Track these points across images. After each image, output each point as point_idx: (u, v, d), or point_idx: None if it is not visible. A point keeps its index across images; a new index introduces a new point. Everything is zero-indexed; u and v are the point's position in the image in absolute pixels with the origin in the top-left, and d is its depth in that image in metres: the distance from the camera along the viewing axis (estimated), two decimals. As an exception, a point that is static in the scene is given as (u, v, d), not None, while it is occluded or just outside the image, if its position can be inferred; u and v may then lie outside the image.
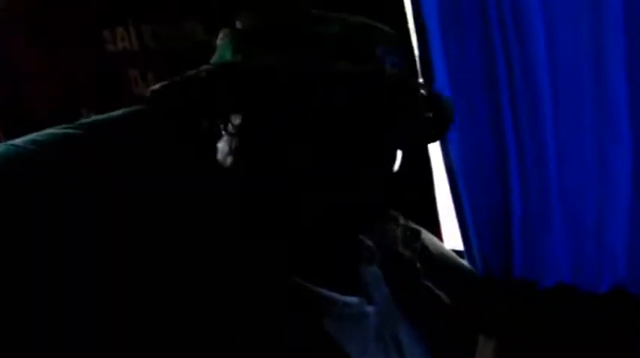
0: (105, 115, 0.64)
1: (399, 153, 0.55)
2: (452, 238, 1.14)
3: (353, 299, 0.55)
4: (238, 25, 0.51)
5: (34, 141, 0.53)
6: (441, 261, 0.72)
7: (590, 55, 0.84)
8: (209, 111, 0.52)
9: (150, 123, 0.64)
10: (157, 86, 0.52)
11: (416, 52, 0.95)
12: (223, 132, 0.51)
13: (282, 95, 0.47)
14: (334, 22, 0.49)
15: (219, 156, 0.52)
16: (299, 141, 0.47)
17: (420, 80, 0.54)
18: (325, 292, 0.53)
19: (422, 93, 0.53)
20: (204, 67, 0.50)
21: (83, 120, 0.62)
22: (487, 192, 1.01)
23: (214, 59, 0.53)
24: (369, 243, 0.60)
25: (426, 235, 0.74)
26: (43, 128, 0.59)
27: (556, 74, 0.87)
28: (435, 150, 1.04)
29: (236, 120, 0.49)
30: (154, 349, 0.44)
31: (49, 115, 0.74)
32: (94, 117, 0.63)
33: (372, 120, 0.49)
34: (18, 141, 0.54)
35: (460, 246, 1.08)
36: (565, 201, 0.94)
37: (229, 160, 0.50)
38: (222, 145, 0.51)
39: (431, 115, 0.55)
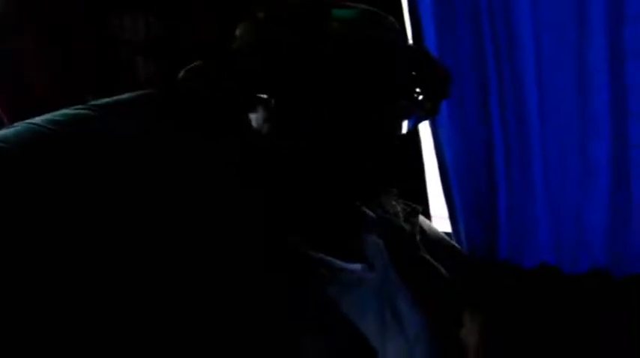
0: (114, 98, 0.67)
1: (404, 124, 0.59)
2: (440, 220, 1.18)
3: (355, 266, 0.57)
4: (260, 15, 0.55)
5: (52, 121, 0.55)
6: (434, 239, 0.75)
7: (574, 51, 0.88)
8: (249, 85, 0.55)
9: (158, 104, 0.67)
10: (193, 66, 0.56)
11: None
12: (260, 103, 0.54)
13: (310, 71, 0.52)
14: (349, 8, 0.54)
15: (254, 123, 0.56)
16: (320, 108, 0.52)
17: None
18: (328, 258, 0.55)
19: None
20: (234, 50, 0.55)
21: (95, 102, 0.64)
22: (474, 177, 1.04)
23: (238, 44, 0.57)
24: (371, 214, 0.63)
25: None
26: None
27: (541, 69, 0.91)
28: (426, 136, 1.08)
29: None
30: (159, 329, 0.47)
31: (53, 101, 0.76)
32: (103, 99, 0.65)
33: (384, 85, 0.54)
34: (36, 120, 0.55)
35: (448, 228, 1.12)
36: (548, 186, 0.99)
37: (266, 126, 0.55)
38: (256, 115, 0.55)
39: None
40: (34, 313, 0.44)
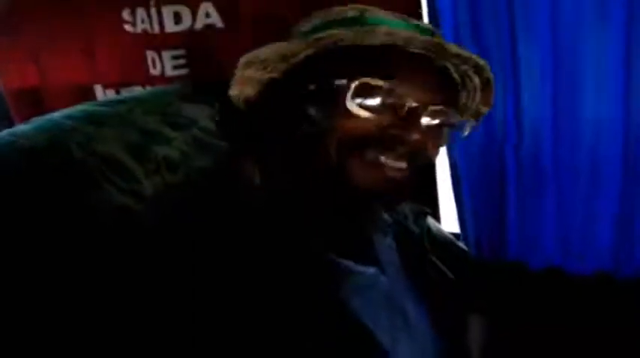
0: (129, 94, 0.67)
1: None
2: (449, 221, 1.18)
3: (369, 269, 0.58)
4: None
5: (70, 117, 0.55)
6: (442, 241, 0.76)
7: (591, 57, 0.88)
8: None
9: (176, 103, 0.66)
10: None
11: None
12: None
13: None
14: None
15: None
16: None
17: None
18: (343, 261, 0.55)
19: None
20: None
21: (110, 98, 0.64)
22: (484, 179, 1.04)
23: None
24: (387, 217, 0.63)
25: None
26: (60, 107, 0.60)
27: (558, 74, 0.91)
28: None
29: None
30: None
31: (64, 93, 0.75)
32: (118, 96, 0.65)
33: None
34: (54, 115, 0.55)
35: (456, 229, 1.12)
36: (557, 190, 0.99)
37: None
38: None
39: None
40: (40, 314, 0.43)
